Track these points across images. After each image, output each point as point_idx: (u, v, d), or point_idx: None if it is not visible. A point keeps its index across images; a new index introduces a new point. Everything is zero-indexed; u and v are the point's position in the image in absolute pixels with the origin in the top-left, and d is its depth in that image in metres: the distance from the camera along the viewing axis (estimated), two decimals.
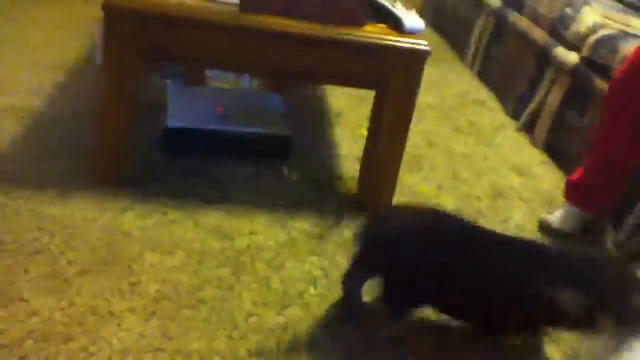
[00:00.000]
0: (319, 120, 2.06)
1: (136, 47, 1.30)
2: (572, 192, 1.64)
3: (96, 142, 1.48)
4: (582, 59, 1.95)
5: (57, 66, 2.06)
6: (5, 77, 1.93)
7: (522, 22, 2.38)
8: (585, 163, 1.62)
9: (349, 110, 2.15)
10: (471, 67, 2.78)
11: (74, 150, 1.59)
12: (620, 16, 2.01)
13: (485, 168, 1.93)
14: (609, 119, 1.56)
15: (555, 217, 1.62)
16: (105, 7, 1.27)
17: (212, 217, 1.44)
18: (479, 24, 2.76)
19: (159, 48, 1.32)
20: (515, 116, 2.31)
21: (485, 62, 2.68)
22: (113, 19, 1.29)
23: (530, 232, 1.62)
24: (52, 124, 1.71)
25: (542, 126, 2.11)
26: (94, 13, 2.52)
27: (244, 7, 1.30)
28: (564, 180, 1.70)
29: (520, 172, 1.94)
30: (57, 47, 2.23)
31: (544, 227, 1.63)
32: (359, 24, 1.33)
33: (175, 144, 1.67)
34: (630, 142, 1.50)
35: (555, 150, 2.05)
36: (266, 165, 1.70)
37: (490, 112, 2.39)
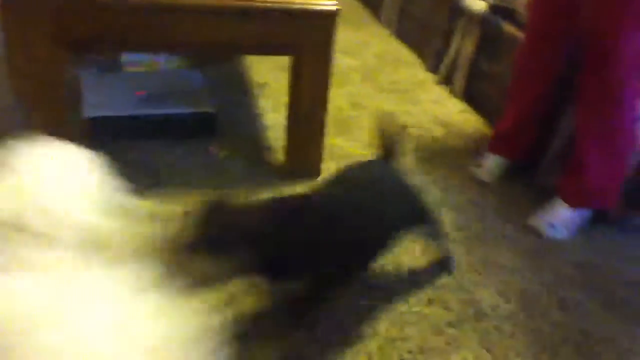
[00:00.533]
0: (242, 94, 2.05)
1: (50, 37, 1.24)
2: (497, 144, 1.72)
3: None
4: (489, 6, 2.01)
5: None
6: None
7: None
8: (505, 114, 1.70)
9: (272, 81, 2.14)
10: (388, 27, 2.82)
11: None
12: None
13: (410, 123, 1.98)
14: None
15: (484, 170, 1.70)
16: None
17: (145, 204, 1.42)
18: None
19: (76, 36, 1.27)
20: (434, 71, 2.37)
21: (401, 21, 2.73)
22: (17, 10, 1.22)
23: (456, 182, 1.68)
24: None
25: (460, 77, 2.17)
26: None
27: None
28: (486, 127, 1.77)
29: (443, 124, 2.01)
30: None
31: (473, 178, 1.70)
32: None
33: (97, 133, 1.62)
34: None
35: (475, 98, 2.12)
36: (194, 145, 1.68)
37: (410, 69, 2.44)
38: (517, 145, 1.68)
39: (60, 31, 1.25)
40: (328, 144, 1.63)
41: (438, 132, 1.95)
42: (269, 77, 2.17)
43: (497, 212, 1.58)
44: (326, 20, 1.35)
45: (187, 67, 2.00)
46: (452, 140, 1.91)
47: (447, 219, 1.50)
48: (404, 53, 2.60)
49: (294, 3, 1.33)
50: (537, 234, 1.51)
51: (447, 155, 1.81)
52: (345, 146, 1.79)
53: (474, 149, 1.84)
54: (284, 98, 2.00)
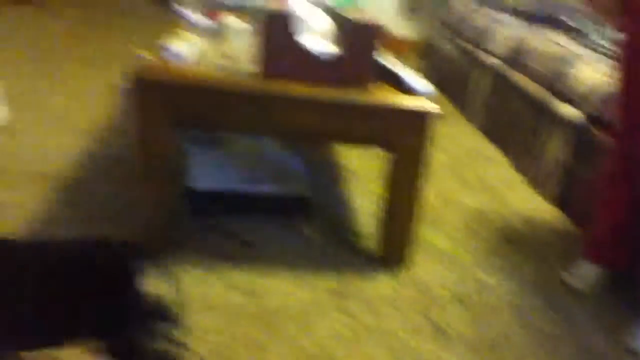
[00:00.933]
0: (334, 178, 2.12)
1: (166, 116, 1.36)
2: (591, 251, 1.66)
3: (131, 207, 1.54)
4: (583, 113, 2.03)
5: (85, 131, 2.15)
6: (38, 143, 2.01)
7: (520, 79, 2.47)
8: (600, 219, 1.66)
9: (362, 168, 2.21)
10: (475, 123, 2.87)
11: (107, 214, 1.64)
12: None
13: (498, 223, 1.98)
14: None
15: (577, 277, 1.65)
16: (137, 81, 1.34)
17: (240, 277, 1.47)
18: (477, 80, 2.86)
19: (189, 117, 1.39)
20: (522, 170, 2.37)
21: (488, 118, 2.77)
22: (144, 91, 1.36)
23: (549, 289, 1.65)
24: (84, 187, 1.77)
25: (552, 181, 2.17)
26: (117, 79, 2.66)
27: (267, 74, 1.38)
28: (579, 235, 1.74)
29: (533, 226, 1.99)
30: (85, 112, 2.32)
31: (565, 285, 1.66)
32: (367, 84, 1.40)
33: (199, 205, 1.72)
34: None
35: (566, 202, 2.10)
36: (287, 224, 1.75)
37: (498, 166, 2.46)
38: (614, 253, 1.63)
39: (173, 111, 1.37)
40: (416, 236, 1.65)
41: (528, 233, 1.94)
42: (358, 163, 2.24)
43: (586, 323, 1.53)
44: (426, 121, 1.41)
45: (284, 149, 2.10)
46: (543, 243, 1.88)
47: (527, 322, 1.47)
48: (491, 150, 2.63)
49: (396, 102, 1.40)
50: (635, 356, 1.43)
51: (536, 258, 1.79)
52: (432, 239, 1.80)
53: (565, 253, 1.82)
54: (372, 185, 2.07)
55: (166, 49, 1.41)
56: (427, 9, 4.19)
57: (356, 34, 1.37)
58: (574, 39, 2.57)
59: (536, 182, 2.26)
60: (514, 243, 1.87)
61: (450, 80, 3.27)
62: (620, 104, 1.57)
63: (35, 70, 2.78)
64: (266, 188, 1.76)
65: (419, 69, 3.84)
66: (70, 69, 2.87)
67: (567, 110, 2.11)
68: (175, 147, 1.44)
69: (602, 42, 2.44)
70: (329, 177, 2.13)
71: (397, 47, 4.19)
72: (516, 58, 2.55)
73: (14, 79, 2.59)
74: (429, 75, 3.59)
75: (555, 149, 2.17)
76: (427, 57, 3.82)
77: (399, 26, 4.23)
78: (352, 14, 1.45)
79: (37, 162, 1.89)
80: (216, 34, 1.77)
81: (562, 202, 2.13)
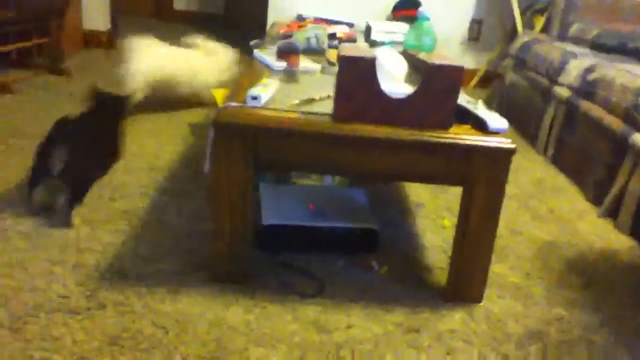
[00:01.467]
0: (400, 212, 2.13)
1: (244, 158, 1.43)
2: None
3: (207, 244, 1.60)
4: None
5: (162, 169, 2.26)
6: (119, 182, 2.13)
7: (594, 111, 2.43)
8: None
9: (428, 201, 2.22)
10: (544, 154, 2.82)
11: (183, 250, 1.72)
12: None
13: (572, 255, 1.93)
14: None
15: None
16: (215, 124, 1.42)
17: (310, 311, 1.50)
18: (549, 112, 2.82)
19: (265, 158, 1.45)
20: (595, 202, 2.31)
21: (558, 149, 2.72)
22: (222, 134, 1.43)
23: (629, 322, 1.59)
24: (162, 225, 1.86)
25: (627, 212, 2.10)
26: (192, 120, 2.78)
27: (337, 117, 1.43)
28: None
29: (609, 259, 1.93)
30: (165, 153, 2.45)
31: None
32: (447, 126, 1.42)
33: (270, 241, 1.77)
34: None
35: None
36: (355, 258, 1.77)
37: (569, 198, 2.40)
38: None
39: (252, 154, 1.43)
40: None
41: (604, 267, 1.88)
42: (426, 197, 2.25)
43: None
44: (502, 158, 1.42)
45: (350, 183, 2.14)
46: (617, 275, 1.82)
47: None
48: (561, 181, 2.57)
49: (473, 139, 1.41)
50: None
51: (611, 292, 1.73)
52: (504, 274, 1.78)
53: None
54: (440, 219, 2.07)
55: (247, 93, 1.48)
56: (491, 39, 4.18)
57: (437, 77, 1.39)
58: None
59: (611, 213, 2.20)
60: (586, 275, 1.81)
61: (518, 110, 3.24)
62: None
63: None
64: (333, 223, 1.80)
65: (485, 100, 3.82)
66: (141, 108, 3.02)
67: None
68: (250, 186, 1.50)
69: None
70: (397, 211, 2.15)
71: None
72: (590, 89, 2.51)
73: None
74: (495, 106, 3.57)
75: (631, 180, 2.10)
76: (493, 87, 3.80)
77: (463, 56, 4.24)
78: (430, 57, 1.48)
79: (117, 200, 2.00)
80: (293, 76, 1.84)
81: (637, 234, 2.05)
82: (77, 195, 1.81)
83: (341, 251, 1.80)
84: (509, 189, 2.45)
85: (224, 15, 5.97)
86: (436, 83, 1.40)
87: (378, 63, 1.40)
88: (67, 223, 1.78)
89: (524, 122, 3.13)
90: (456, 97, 1.41)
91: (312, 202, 1.90)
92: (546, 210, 2.26)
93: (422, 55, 1.49)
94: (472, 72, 4.23)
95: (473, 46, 4.23)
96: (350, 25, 3.44)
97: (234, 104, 1.46)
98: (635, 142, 2.09)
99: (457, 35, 4.20)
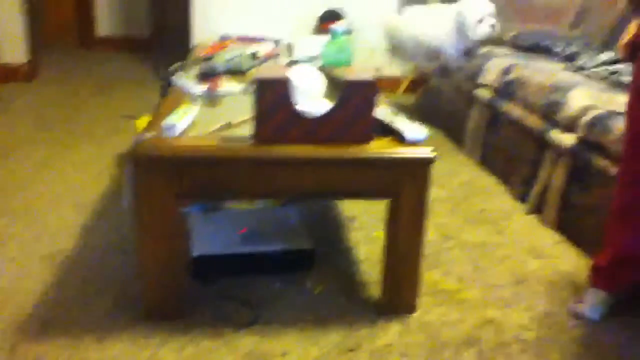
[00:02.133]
0: (334, 227, 2.13)
1: (165, 190, 1.39)
2: (598, 278, 1.65)
3: (135, 280, 1.54)
4: (578, 139, 2.04)
5: (86, 205, 2.18)
6: (42, 221, 2.04)
7: (515, 110, 2.50)
8: (605, 246, 1.65)
9: (361, 213, 2.22)
10: (472, 156, 2.89)
11: (112, 288, 1.66)
12: (607, 96, 2.12)
13: (502, 255, 1.98)
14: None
15: (586, 306, 1.64)
16: (131, 157, 1.38)
17: (246, 342, 1.47)
18: (474, 115, 2.89)
19: (188, 189, 1.41)
20: (523, 200, 2.38)
21: (485, 150, 2.79)
22: (139, 166, 1.39)
23: (559, 319, 1.64)
24: (87, 263, 1.79)
25: (551, 207, 2.17)
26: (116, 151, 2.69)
27: (262, 138, 1.41)
28: (584, 261, 1.72)
29: (537, 255, 1.98)
30: (85, 186, 2.36)
31: (575, 315, 1.64)
32: (368, 141, 1.43)
33: (204, 271, 1.73)
34: None
35: (567, 229, 2.10)
36: (290, 280, 1.75)
37: (498, 198, 2.46)
38: (621, 279, 1.63)
39: (173, 185, 1.40)
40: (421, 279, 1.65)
41: (533, 264, 1.93)
42: (359, 209, 2.25)
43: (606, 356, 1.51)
44: (422, 167, 1.43)
45: (283, 204, 2.12)
46: (549, 273, 1.87)
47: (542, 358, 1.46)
48: (490, 181, 2.63)
49: (393, 152, 1.42)
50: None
51: (544, 289, 1.78)
52: (438, 280, 1.80)
53: (572, 281, 1.81)
54: (374, 231, 2.07)
55: (162, 123, 1.44)
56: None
57: (353, 92, 1.40)
58: (567, 67, 2.61)
59: (537, 209, 2.27)
60: (516, 274, 1.86)
61: (445, 114, 3.30)
62: (626, 140, 1.57)
63: (29, 144, 2.82)
64: (265, 246, 1.77)
65: (413, 106, 3.89)
66: (67, 141, 2.92)
67: (563, 137, 2.12)
68: (177, 217, 1.46)
69: (595, 67, 2.48)
70: (331, 226, 2.14)
71: (390, 86, 4.27)
72: (509, 89, 2.58)
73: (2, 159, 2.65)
74: (422, 112, 3.64)
75: (553, 176, 2.17)
76: (420, 93, 3.87)
77: (389, 64, 4.30)
78: (346, 73, 1.49)
79: (40, 241, 1.91)
80: (214, 100, 1.81)
81: (563, 228, 2.12)
82: None
83: (277, 273, 1.78)
84: (440, 193, 2.50)
85: (149, 39, 5.86)
86: (353, 98, 1.40)
87: (294, 83, 1.40)
88: None
89: (451, 126, 3.20)
90: (373, 111, 1.42)
91: (244, 226, 1.88)
92: (476, 212, 2.31)
93: (338, 71, 1.49)
94: (400, 80, 4.29)
95: (397, 55, 4.30)
96: (277, 41, 3.44)
97: (149, 135, 1.43)
98: (553, 138, 2.17)
99: (382, 45, 4.26)
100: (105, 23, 5.78)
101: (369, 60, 4.25)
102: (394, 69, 4.33)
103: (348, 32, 2.08)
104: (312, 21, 4.07)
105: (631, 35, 1.55)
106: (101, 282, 1.69)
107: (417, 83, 3.99)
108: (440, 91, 3.41)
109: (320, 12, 4.03)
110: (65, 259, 1.81)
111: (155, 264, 1.47)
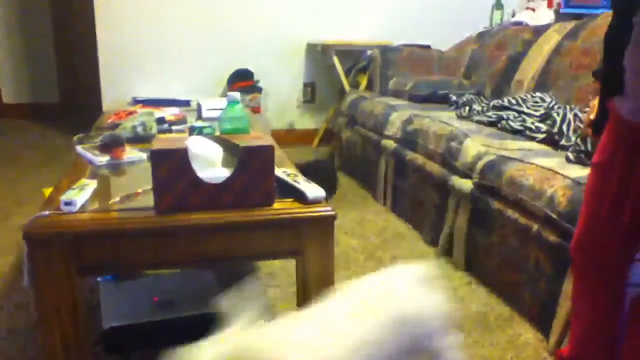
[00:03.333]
0: (252, 285, 2.12)
1: (65, 267, 1.36)
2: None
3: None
4: (474, 184, 2.16)
5: None
6: None
7: (418, 159, 2.63)
8: (572, 333, 1.50)
9: (279, 269, 2.24)
10: (384, 204, 2.99)
11: None
12: (498, 142, 2.28)
13: None
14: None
15: None
16: (28, 236, 1.34)
17: None
18: (382, 164, 3.01)
19: (88, 263, 1.38)
20: (433, 243, 2.47)
21: (395, 197, 2.90)
22: (37, 245, 1.35)
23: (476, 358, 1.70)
24: None
25: (458, 249, 2.27)
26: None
27: (162, 208, 1.41)
28: (493, 299, 1.77)
29: (451, 298, 2.05)
30: None
31: None
32: (270, 203, 1.46)
33: (116, 343, 1.68)
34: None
35: (475, 269, 2.20)
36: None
37: (410, 244, 2.55)
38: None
39: (73, 261, 1.37)
40: None
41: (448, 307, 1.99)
42: (277, 265, 2.27)
43: None
44: (325, 224, 1.47)
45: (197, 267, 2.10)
46: (464, 316, 1.94)
47: None
48: (403, 228, 2.73)
49: (296, 212, 1.46)
50: None
51: (456, 330, 1.84)
52: None
53: (482, 321, 1.88)
54: (292, 287, 2.09)
55: (60, 198, 1.42)
56: (325, 100, 4.41)
57: (252, 158, 1.43)
58: (461, 115, 2.77)
59: (445, 251, 2.36)
60: None
61: (358, 164, 3.41)
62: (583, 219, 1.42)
63: None
64: (178, 312, 1.75)
65: (327, 155, 3.98)
66: None
67: (462, 182, 2.24)
68: (78, 293, 1.42)
69: (486, 114, 2.65)
70: (248, 285, 2.13)
71: (304, 138, 4.37)
72: (411, 139, 2.71)
73: None
74: (337, 161, 3.74)
75: (457, 219, 2.28)
76: (332, 144, 3.98)
77: (302, 117, 4.42)
78: (242, 139, 1.52)
79: None
80: (117, 170, 1.80)
81: (472, 268, 2.22)
82: None
83: (192, 340, 1.75)
84: (356, 242, 2.57)
85: (59, 104, 5.74)
86: (252, 163, 1.44)
87: (191, 152, 1.42)
88: None
89: (363, 175, 3.31)
90: (273, 174, 1.46)
91: (158, 293, 1.85)
92: (390, 259, 2.38)
93: (236, 139, 1.53)
94: (313, 132, 4.41)
95: (310, 108, 4.43)
96: (187, 103, 3.47)
97: (46, 212, 1.40)
98: (453, 183, 2.29)
99: (293, 99, 4.38)
100: (10, 89, 5.62)
101: (281, 115, 4.37)
102: (306, 121, 4.46)
103: (238, 101, 2.06)
104: (223, 81, 4.15)
105: (594, 114, 1.41)
106: None
107: (331, 134, 4.11)
108: (351, 141, 3.53)
109: (231, 72, 4.11)
110: None
111: (62, 342, 1.42)
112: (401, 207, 2.84)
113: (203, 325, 1.78)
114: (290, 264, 2.24)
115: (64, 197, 1.42)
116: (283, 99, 4.34)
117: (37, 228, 1.35)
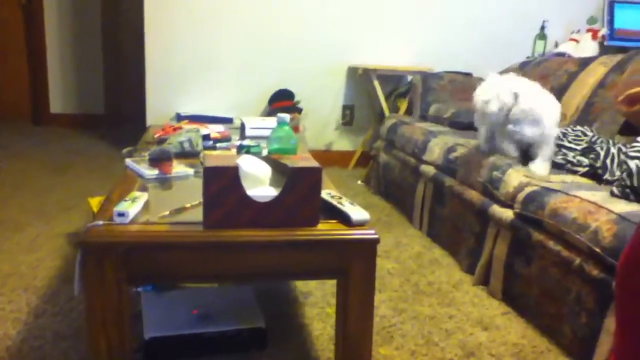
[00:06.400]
0: (288, 303, 2.16)
1: (116, 277, 1.41)
2: None
3: None
4: (515, 214, 2.16)
5: (39, 289, 2.14)
6: None
7: (457, 186, 2.63)
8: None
9: (315, 289, 2.26)
10: (420, 228, 2.99)
11: None
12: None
13: (452, 327, 2.03)
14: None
15: None
16: (82, 245, 1.39)
17: None
18: (420, 189, 3.01)
19: (140, 274, 1.43)
20: (470, 271, 2.46)
21: (432, 223, 2.90)
22: (90, 254, 1.40)
23: None
24: (36, 353, 1.75)
25: (496, 278, 2.26)
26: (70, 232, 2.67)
27: (207, 225, 1.45)
28: (531, 331, 1.77)
29: (485, 327, 2.05)
30: (41, 270, 2.32)
31: None
32: (315, 224, 1.49)
33: (156, 354, 1.72)
34: None
35: (513, 299, 2.19)
36: (244, 358, 1.75)
37: (446, 269, 2.54)
38: None
39: (124, 271, 1.41)
40: (374, 355, 1.68)
41: (482, 336, 1.99)
42: (313, 285, 2.29)
43: None
44: (368, 248, 1.49)
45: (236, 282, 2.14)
46: (497, 344, 1.93)
47: None
48: (439, 253, 2.72)
49: (340, 234, 1.49)
50: None
51: None
52: (390, 355, 1.83)
53: (520, 352, 1.86)
54: (328, 307, 2.11)
55: (113, 209, 1.47)
56: (363, 122, 4.45)
57: (300, 178, 1.46)
58: None
59: (482, 280, 2.35)
60: (466, 347, 1.91)
61: (394, 188, 3.43)
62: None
63: None
64: (218, 326, 1.78)
65: (364, 179, 4.00)
66: (20, 220, 2.89)
67: (502, 212, 2.24)
68: (126, 303, 1.47)
69: None
70: (285, 302, 2.16)
71: (341, 160, 4.41)
72: (452, 167, 2.72)
73: None
74: (373, 185, 3.75)
75: (496, 248, 2.27)
76: (370, 167, 4.00)
77: (340, 139, 4.46)
78: (290, 160, 1.56)
79: None
80: (166, 184, 1.85)
81: (509, 298, 2.20)
82: None
83: (230, 353, 1.78)
84: (391, 265, 2.58)
85: (104, 115, 5.91)
86: (299, 184, 1.47)
87: (242, 170, 1.46)
88: None
89: (400, 199, 3.31)
90: (319, 195, 1.49)
91: (197, 306, 1.89)
92: (426, 284, 2.38)
93: (284, 159, 1.57)
94: (350, 154, 4.45)
95: (348, 130, 4.48)
96: (229, 120, 3.54)
97: (100, 222, 1.45)
98: (493, 213, 2.28)
99: (332, 121, 4.43)
100: (59, 100, 5.82)
101: (319, 136, 4.42)
102: (344, 143, 4.50)
103: (287, 122, 2.10)
104: (264, 100, 4.22)
105: (635, 91, 1.21)
106: None
107: (368, 157, 4.14)
108: (389, 165, 3.54)
109: (273, 91, 4.18)
110: (12, 346, 1.77)
111: (107, 349, 1.46)
112: (437, 232, 2.84)
113: (241, 341, 1.82)
114: (325, 284, 2.27)
115: (117, 209, 1.47)
116: (322, 120, 4.40)
117: (92, 237, 1.41)
